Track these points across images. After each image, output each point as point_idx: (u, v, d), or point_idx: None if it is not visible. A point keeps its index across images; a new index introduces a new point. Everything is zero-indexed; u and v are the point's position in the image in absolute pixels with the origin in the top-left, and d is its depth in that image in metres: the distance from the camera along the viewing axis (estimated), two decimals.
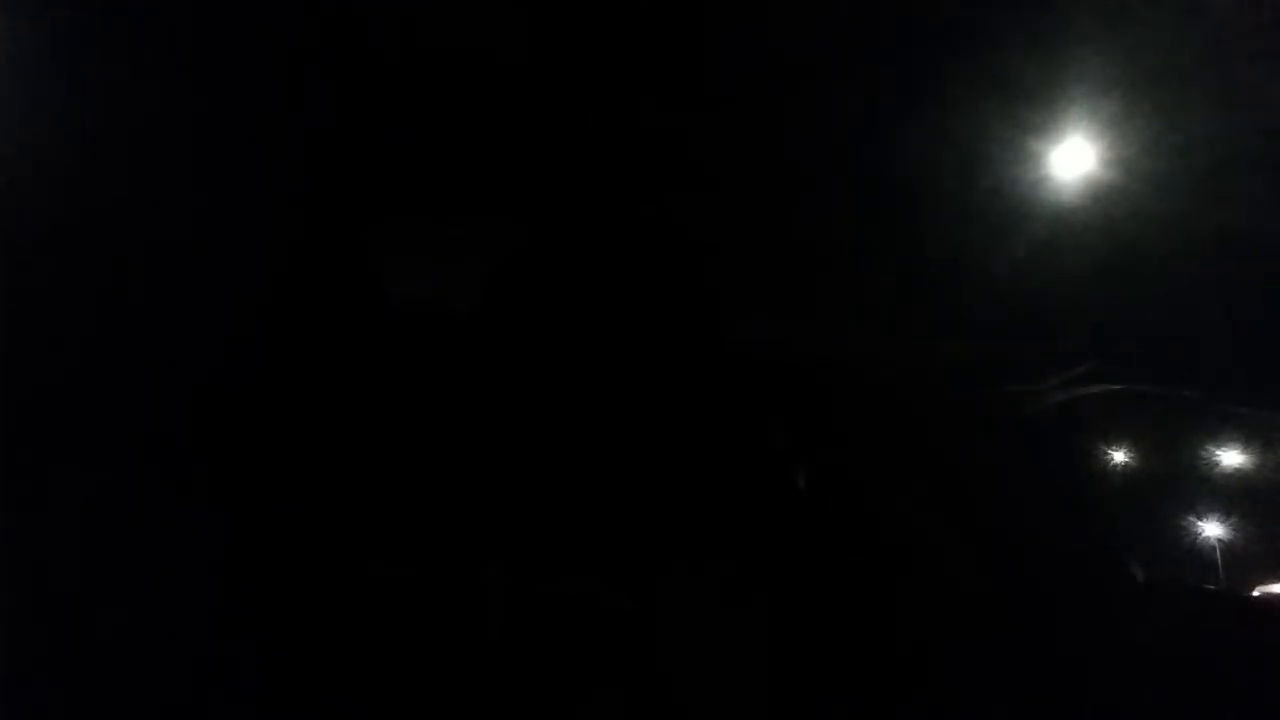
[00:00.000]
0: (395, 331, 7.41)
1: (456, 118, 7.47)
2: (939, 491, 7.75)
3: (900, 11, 7.19)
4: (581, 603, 6.56)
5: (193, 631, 6.01)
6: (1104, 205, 7.67)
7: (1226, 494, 9.08)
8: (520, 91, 7.40)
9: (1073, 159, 7.55)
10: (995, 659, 5.97)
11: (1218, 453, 9.13)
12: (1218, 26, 6.79)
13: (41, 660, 5.75)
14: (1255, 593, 8.29)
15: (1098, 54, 7.01)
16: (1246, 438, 9.05)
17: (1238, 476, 9.07)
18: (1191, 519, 9.19)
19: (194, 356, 6.92)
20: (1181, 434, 9.27)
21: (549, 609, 6.53)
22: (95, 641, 5.90)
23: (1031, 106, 7.30)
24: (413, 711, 6.04)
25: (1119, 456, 9.37)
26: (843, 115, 7.61)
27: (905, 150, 7.53)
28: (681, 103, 7.58)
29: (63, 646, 5.85)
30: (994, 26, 7.04)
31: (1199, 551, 9.14)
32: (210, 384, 6.89)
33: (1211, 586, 8.72)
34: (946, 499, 7.70)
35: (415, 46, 7.17)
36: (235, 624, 6.15)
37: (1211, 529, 9.14)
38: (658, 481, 7.16)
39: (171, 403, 6.76)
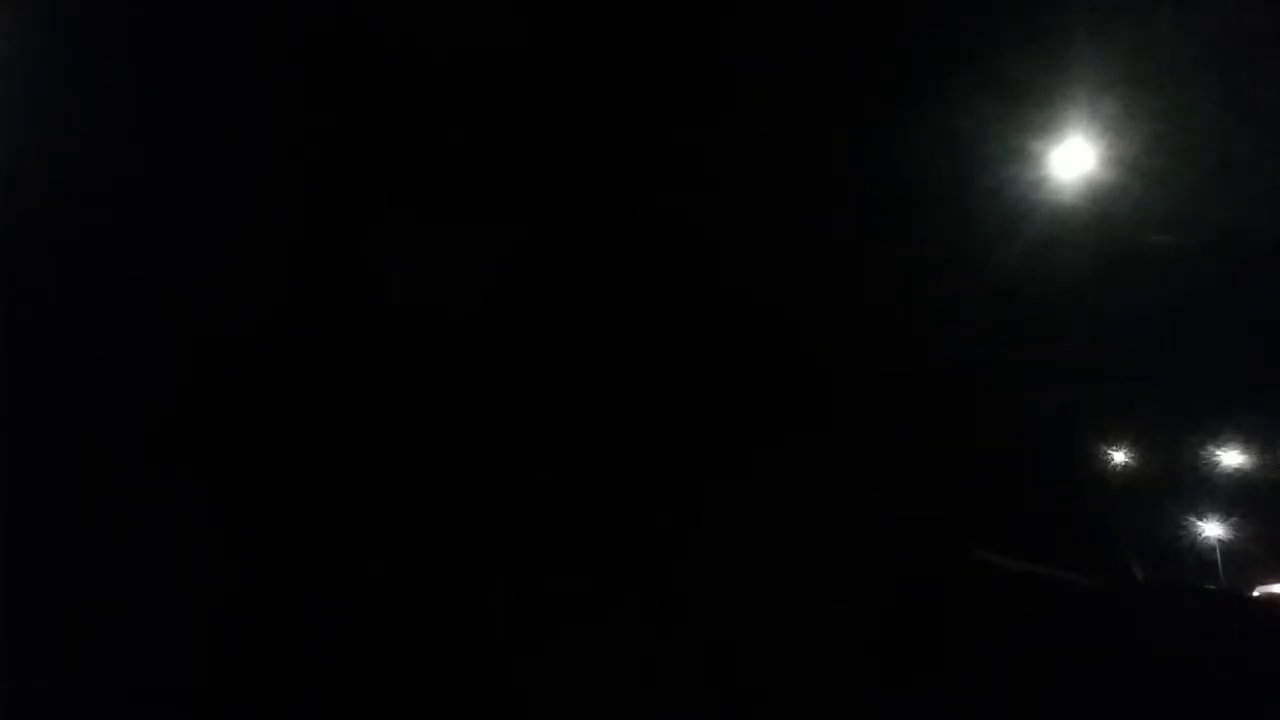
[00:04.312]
0: (399, 333, 7.40)
1: (459, 119, 7.47)
2: (938, 490, 7.74)
3: (901, 13, 7.19)
4: (580, 602, 6.56)
5: (194, 630, 6.00)
6: (1104, 205, 7.67)
7: (1226, 494, 9.07)
8: (525, 92, 7.40)
9: (1073, 159, 7.55)
10: (994, 656, 5.97)
11: (1218, 453, 9.13)
12: (1218, 27, 6.80)
13: (41, 659, 5.75)
14: (1255, 593, 8.29)
15: (1098, 54, 7.02)
16: (1246, 438, 9.05)
17: (1238, 476, 9.06)
18: (1191, 519, 9.18)
19: (195, 358, 6.91)
20: (1181, 434, 9.27)
21: (549, 609, 6.53)
22: (94, 640, 5.90)
23: (1031, 106, 7.31)
24: (413, 710, 6.04)
25: (1119, 456, 9.36)
26: (844, 117, 7.61)
27: (906, 151, 7.53)
28: (684, 105, 7.58)
29: (62, 645, 5.85)
30: (994, 27, 7.04)
31: (1199, 551, 9.14)
32: (212, 385, 6.89)
33: (1211, 586, 8.72)
34: (945, 498, 7.69)
35: (419, 46, 7.17)
36: (235, 623, 6.14)
37: (1211, 529, 9.14)
38: (662, 481, 7.16)
39: (174, 404, 6.75)
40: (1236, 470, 9.04)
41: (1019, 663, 5.82)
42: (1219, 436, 9.06)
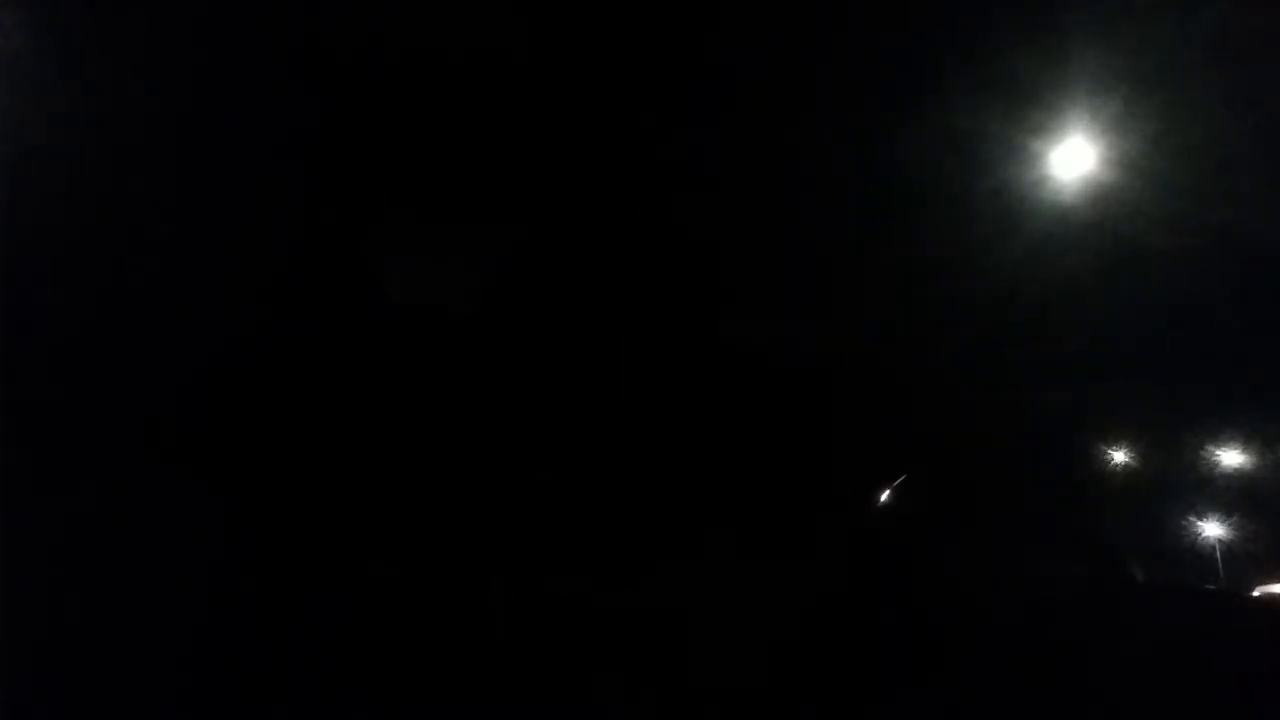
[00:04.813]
0: (400, 333, 7.40)
1: (462, 121, 7.46)
2: (939, 490, 7.74)
3: (901, 13, 7.18)
4: (581, 602, 6.55)
5: (195, 629, 6.00)
6: (1104, 205, 7.67)
7: (1226, 494, 9.08)
8: (526, 94, 7.39)
9: (1073, 159, 7.55)
10: (995, 656, 5.97)
11: (1218, 453, 9.14)
12: (1218, 26, 6.79)
13: (41, 658, 5.74)
14: (1255, 593, 8.29)
15: (1098, 54, 7.01)
16: (1246, 438, 9.06)
17: (1238, 476, 9.06)
18: (1191, 519, 9.19)
19: (196, 358, 6.91)
20: (1181, 434, 9.27)
21: (550, 609, 6.52)
22: (94, 639, 5.89)
23: (1031, 106, 7.30)
24: (416, 710, 6.04)
25: (1119, 456, 9.37)
26: (843, 117, 7.61)
27: (906, 151, 7.53)
28: (685, 105, 7.58)
29: (63, 645, 5.84)
30: (994, 26, 7.04)
31: (1199, 551, 9.14)
32: (213, 385, 6.88)
33: (1211, 586, 8.72)
34: (947, 498, 7.69)
35: (420, 48, 7.16)
36: (236, 623, 6.14)
37: (1211, 529, 9.14)
38: (662, 481, 7.16)
39: (174, 404, 6.75)
40: (1236, 470, 9.05)
41: (1019, 662, 5.82)
42: (1219, 436, 9.07)
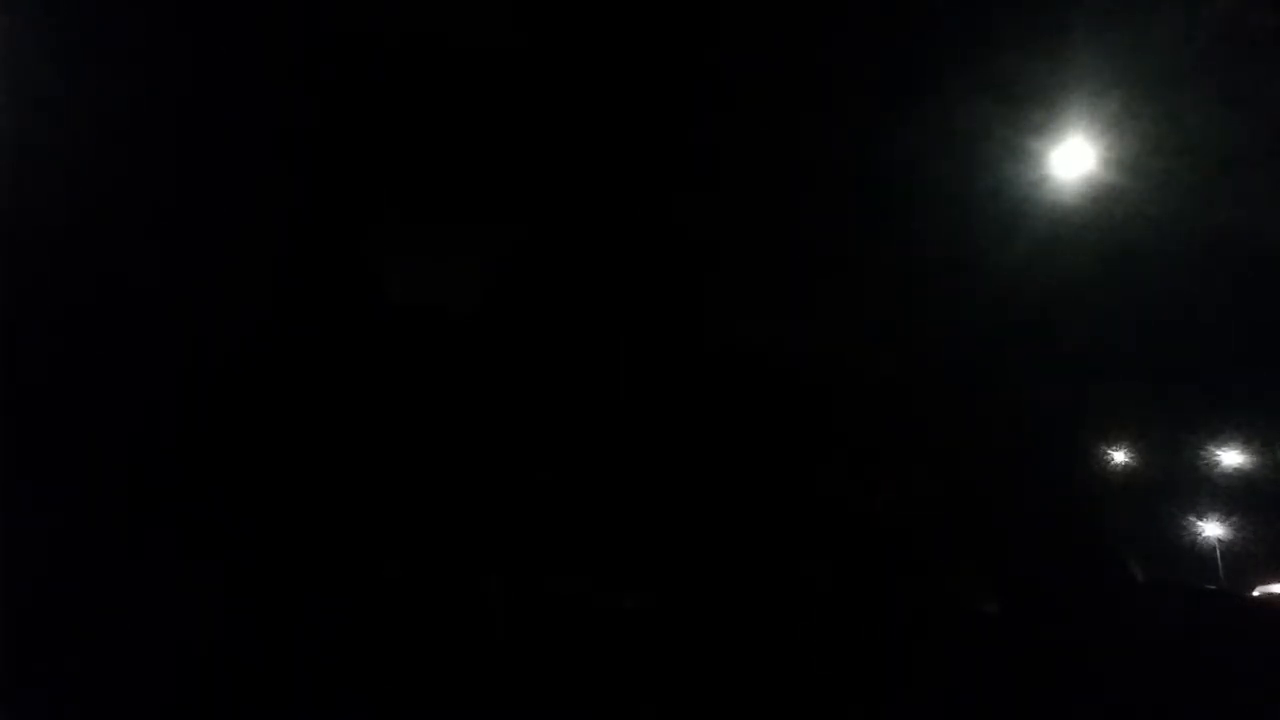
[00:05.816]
0: (400, 333, 7.40)
1: (457, 118, 7.47)
2: (939, 490, 7.74)
3: (901, 14, 7.19)
4: (581, 602, 6.55)
5: (195, 629, 6.00)
6: (1104, 205, 7.67)
7: (1226, 494, 9.07)
8: (526, 93, 7.40)
9: (1073, 159, 7.56)
10: (995, 656, 5.97)
11: (1218, 453, 9.13)
12: (1218, 26, 6.80)
13: (41, 658, 5.74)
14: (1255, 593, 8.29)
15: (1098, 54, 7.02)
16: (1246, 438, 9.05)
17: (1238, 476, 9.06)
18: (1191, 519, 9.18)
19: (196, 357, 6.91)
20: (1181, 434, 9.27)
21: (550, 610, 6.52)
22: (94, 639, 5.89)
23: (1031, 106, 7.31)
24: (416, 710, 6.04)
25: (1119, 456, 9.37)
26: (843, 117, 7.61)
27: (906, 151, 7.53)
28: (684, 104, 7.58)
29: (63, 645, 5.85)
30: (994, 27, 7.04)
31: (1199, 551, 9.14)
32: (212, 384, 6.89)
33: (1212, 586, 8.72)
34: (946, 498, 7.69)
35: (416, 44, 7.17)
36: (236, 623, 6.14)
37: (1211, 529, 9.14)
38: (658, 482, 7.16)
39: (174, 403, 6.75)
40: (1236, 470, 9.05)
41: (1019, 662, 5.82)
42: (1219, 436, 9.07)
